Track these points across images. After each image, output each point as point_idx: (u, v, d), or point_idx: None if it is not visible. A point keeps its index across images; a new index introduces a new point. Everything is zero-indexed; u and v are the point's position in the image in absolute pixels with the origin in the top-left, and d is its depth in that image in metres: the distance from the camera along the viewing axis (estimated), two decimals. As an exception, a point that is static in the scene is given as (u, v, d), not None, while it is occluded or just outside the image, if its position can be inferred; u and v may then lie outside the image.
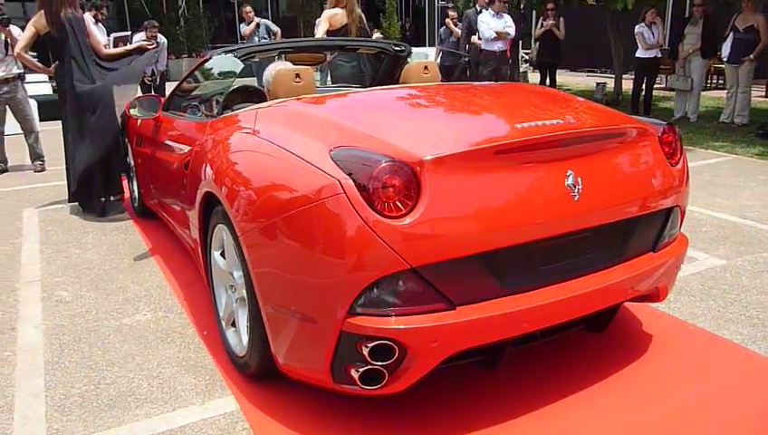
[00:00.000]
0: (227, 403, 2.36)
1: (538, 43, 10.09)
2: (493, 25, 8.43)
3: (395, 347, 1.91)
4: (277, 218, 2.03)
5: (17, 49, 4.72)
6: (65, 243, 4.26)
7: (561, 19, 9.61)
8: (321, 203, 1.90)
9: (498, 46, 8.55)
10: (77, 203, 4.94)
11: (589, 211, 2.13)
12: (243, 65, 3.64)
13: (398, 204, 1.88)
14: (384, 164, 1.88)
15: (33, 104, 6.98)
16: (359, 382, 1.97)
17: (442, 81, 3.40)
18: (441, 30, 10.93)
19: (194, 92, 4.05)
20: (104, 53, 4.72)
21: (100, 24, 8.14)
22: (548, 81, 10.03)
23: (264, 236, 2.10)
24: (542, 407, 2.27)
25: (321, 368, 2.03)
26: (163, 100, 3.90)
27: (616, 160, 2.27)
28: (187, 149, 3.11)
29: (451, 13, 10.28)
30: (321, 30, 5.59)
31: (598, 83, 10.63)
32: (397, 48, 3.94)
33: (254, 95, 3.58)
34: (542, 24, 9.86)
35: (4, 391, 2.49)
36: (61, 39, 4.54)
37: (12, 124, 6.49)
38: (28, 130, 6.34)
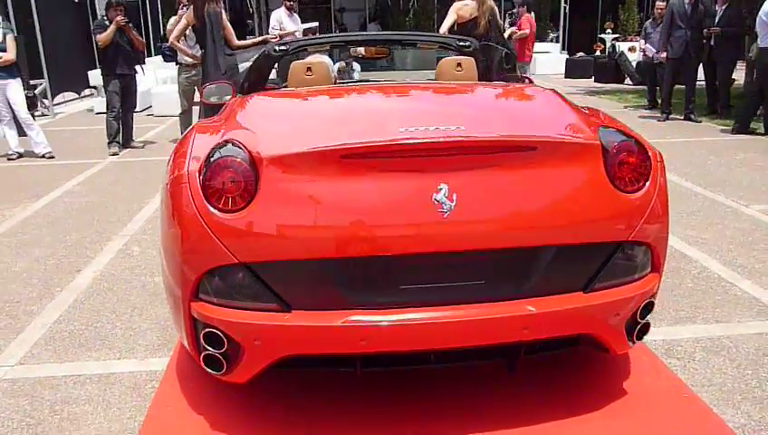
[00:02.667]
0: (159, 364, 2.62)
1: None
2: None
3: (223, 338, 1.96)
4: (164, 198, 2.18)
5: (171, 38, 5.58)
6: (176, 207, 4.94)
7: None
8: (176, 189, 2.01)
9: None
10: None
11: (464, 232, 1.90)
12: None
13: (235, 199, 1.90)
14: (224, 159, 1.92)
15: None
16: (203, 364, 2.05)
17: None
18: (647, 23, 9.84)
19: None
20: (235, 45, 5.32)
21: (295, 14, 9.00)
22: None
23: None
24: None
25: (189, 345, 2.15)
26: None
27: (520, 178, 1.95)
28: None
29: (659, 3, 9.18)
30: (446, 23, 5.54)
31: None
32: (461, 43, 3.77)
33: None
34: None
35: (28, 318, 3.07)
36: (202, 30, 5.23)
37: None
38: (209, 109, 7.37)
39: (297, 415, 2.23)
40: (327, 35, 3.69)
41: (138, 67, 7.22)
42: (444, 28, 5.51)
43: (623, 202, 2.02)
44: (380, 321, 1.90)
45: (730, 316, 2.99)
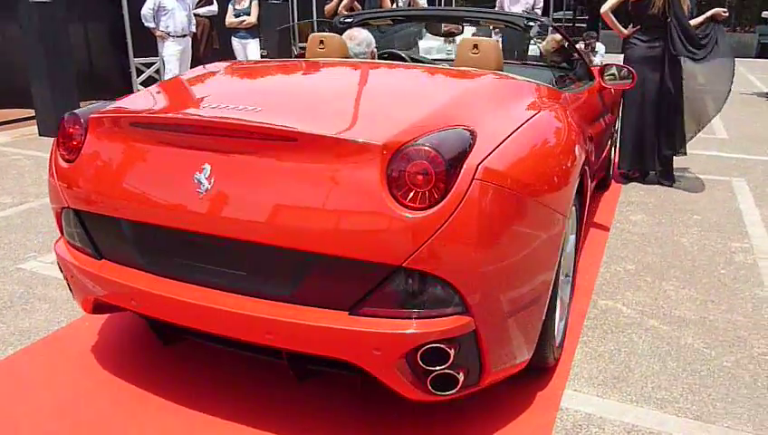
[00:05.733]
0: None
1: None
2: None
3: (62, 270, 2.26)
4: None
5: (340, 8, 5.91)
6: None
7: None
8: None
9: None
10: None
11: (215, 216, 1.83)
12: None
13: (71, 151, 2.16)
14: (74, 116, 2.18)
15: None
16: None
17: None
18: None
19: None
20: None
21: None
22: None
23: None
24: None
25: None
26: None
27: (280, 172, 1.77)
28: None
29: None
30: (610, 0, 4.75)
31: None
32: (529, 24, 3.30)
33: None
34: None
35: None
36: (361, 3, 5.48)
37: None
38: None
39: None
40: (389, 10, 3.56)
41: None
42: (606, 6, 4.70)
43: (398, 220, 1.68)
44: (144, 286, 1.98)
45: None
